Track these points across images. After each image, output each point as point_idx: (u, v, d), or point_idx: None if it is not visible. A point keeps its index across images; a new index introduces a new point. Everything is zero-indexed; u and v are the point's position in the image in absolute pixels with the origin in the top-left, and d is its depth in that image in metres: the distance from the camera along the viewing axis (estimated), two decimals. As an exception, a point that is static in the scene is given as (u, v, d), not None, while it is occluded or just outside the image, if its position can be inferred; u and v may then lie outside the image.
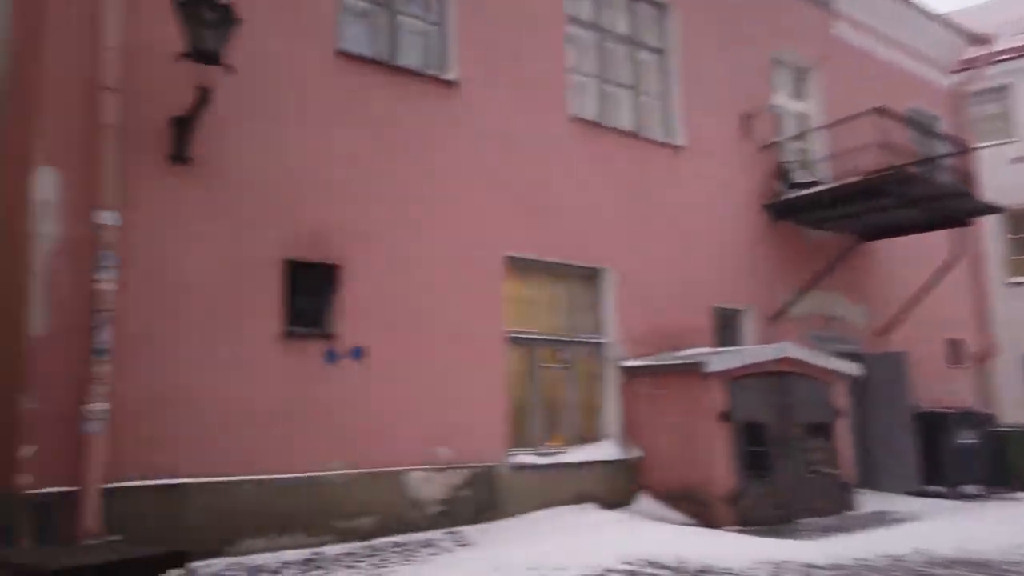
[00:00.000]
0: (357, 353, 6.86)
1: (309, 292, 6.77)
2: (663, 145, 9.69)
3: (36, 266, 5.50)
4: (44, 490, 5.31)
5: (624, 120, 9.51)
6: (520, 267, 8.22)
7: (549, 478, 7.83)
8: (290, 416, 6.41)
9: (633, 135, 9.42)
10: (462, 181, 7.78)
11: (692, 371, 7.96)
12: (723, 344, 9.65)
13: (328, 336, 6.77)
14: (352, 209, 7.01)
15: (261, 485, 6.17)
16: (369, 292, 7.01)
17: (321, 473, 6.49)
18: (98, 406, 5.45)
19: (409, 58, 7.79)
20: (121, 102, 5.79)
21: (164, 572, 4.02)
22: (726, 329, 9.97)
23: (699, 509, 7.79)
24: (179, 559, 3.92)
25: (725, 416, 7.92)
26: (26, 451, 5.31)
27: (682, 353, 8.70)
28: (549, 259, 8.42)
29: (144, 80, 5.97)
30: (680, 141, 9.84)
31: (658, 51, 10.02)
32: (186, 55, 5.63)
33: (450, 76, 7.88)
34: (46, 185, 5.59)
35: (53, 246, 5.58)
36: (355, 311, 6.91)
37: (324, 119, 6.97)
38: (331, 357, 6.74)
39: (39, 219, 5.55)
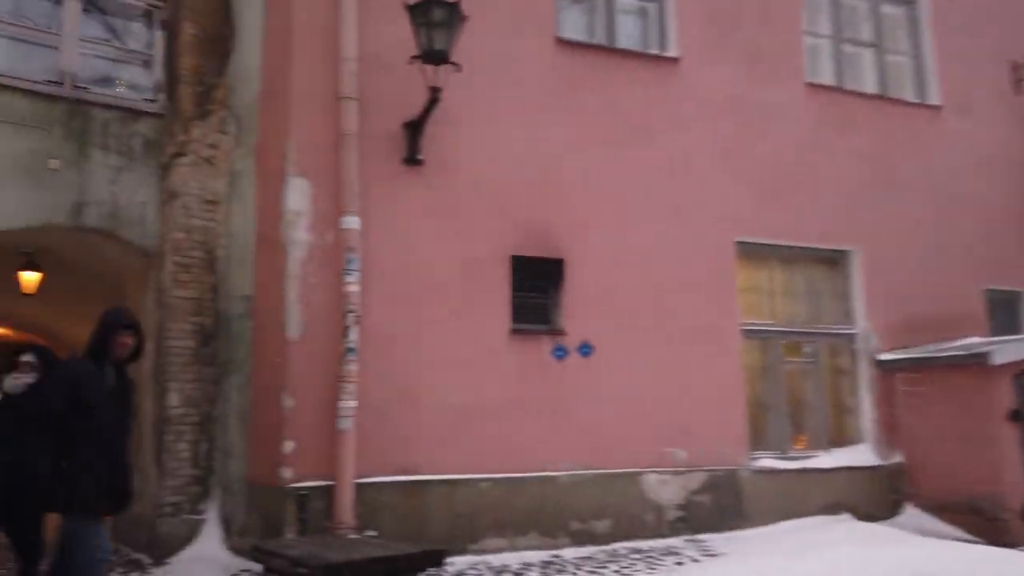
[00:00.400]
0: (586, 349, 6.62)
1: (534, 287, 6.65)
2: (915, 106, 8.48)
3: (291, 273, 5.83)
4: (303, 484, 5.62)
5: (867, 82, 8.42)
6: (753, 253, 7.55)
7: (796, 484, 7.11)
8: (520, 414, 6.31)
9: (878, 97, 8.32)
10: (687, 163, 7.26)
11: (971, 364, 6.85)
12: (999, 332, 8.24)
13: (555, 332, 6.60)
14: (574, 200, 6.78)
15: (497, 484, 6.13)
16: (593, 285, 6.74)
17: (553, 473, 6.33)
18: (349, 403, 5.67)
19: (627, 39, 7.40)
20: (358, 110, 5.98)
21: (423, 570, 3.99)
22: (1002, 315, 8.51)
23: (985, 525, 6.68)
24: (438, 557, 3.88)
25: (1015, 415, 6.71)
26: (287, 447, 5.65)
27: (955, 343, 7.52)
28: (785, 243, 7.65)
29: (376, 88, 6.13)
30: (935, 100, 8.55)
31: (905, 2, 8.77)
32: (417, 57, 5.68)
33: (671, 53, 7.39)
34: (297, 195, 5.91)
35: (305, 253, 5.88)
36: (580, 305, 6.68)
37: (544, 110, 6.79)
38: (559, 353, 6.56)
39: (292, 228, 5.88)
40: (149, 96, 7.18)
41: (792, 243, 7.68)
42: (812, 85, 8.00)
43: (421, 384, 6.04)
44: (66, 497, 3.74)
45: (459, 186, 6.40)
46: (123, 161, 7.00)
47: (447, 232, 6.32)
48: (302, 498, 5.55)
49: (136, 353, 4.14)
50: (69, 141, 6.77)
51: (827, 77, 8.24)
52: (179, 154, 6.73)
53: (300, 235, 5.88)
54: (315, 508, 5.59)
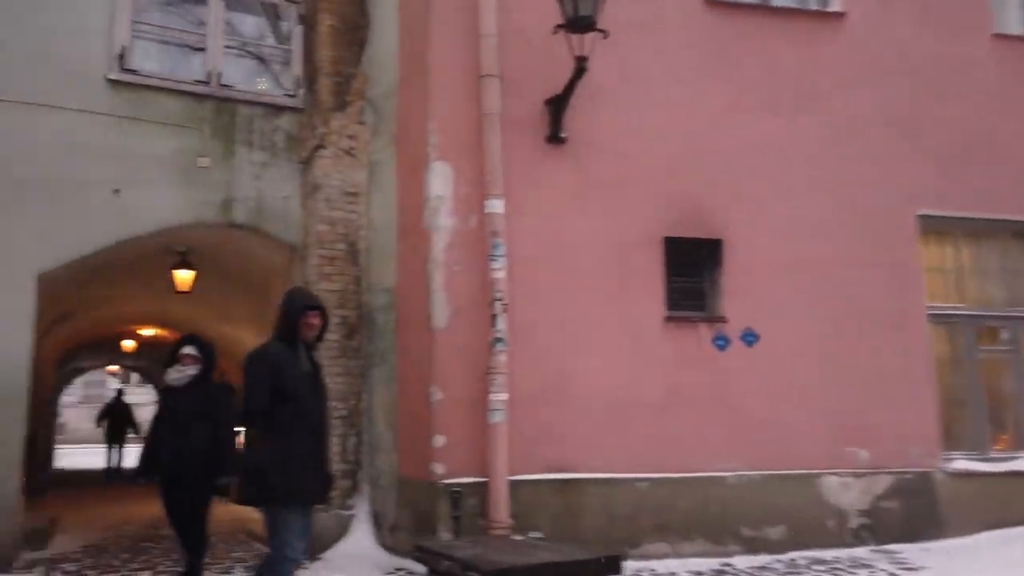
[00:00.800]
0: (750, 337, 6.02)
1: (690, 271, 6.12)
2: None
3: (434, 260, 5.61)
4: (455, 480, 5.36)
5: (1068, 29, 7.31)
6: (937, 227, 6.68)
7: (1000, 489, 6.21)
8: (679, 408, 5.80)
9: (1083, 46, 7.18)
10: (857, 130, 6.50)
11: None
12: None
13: (714, 319, 6.04)
14: (730, 174, 6.19)
15: (656, 484, 5.65)
16: (755, 267, 6.12)
17: (719, 473, 5.78)
18: (500, 396, 5.36)
19: (783, -4, 6.73)
20: (500, 89, 5.68)
21: (601, 576, 3.59)
22: None
23: None
24: (615, 563, 3.47)
25: None
26: (437, 441, 5.41)
27: None
28: (976, 215, 6.71)
29: (517, 65, 5.81)
30: None
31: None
32: (561, 26, 5.32)
33: (835, 8, 6.66)
34: (439, 180, 5.68)
35: (448, 239, 5.64)
36: (741, 289, 6.08)
37: (694, 78, 6.25)
38: (720, 342, 5.99)
39: (435, 214, 5.65)
40: (289, 91, 7.22)
41: (982, 215, 6.73)
42: (1000, 36, 7.01)
43: (571, 376, 5.66)
44: (275, 487, 3.54)
45: (605, 164, 5.97)
46: (266, 157, 7.06)
47: (594, 213, 5.91)
48: (455, 495, 5.30)
49: (321, 334, 3.99)
50: (216, 139, 6.89)
51: (1017, 27, 7.21)
52: (320, 146, 6.69)
53: (443, 221, 5.65)
54: (468, 505, 5.32)
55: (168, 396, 5.07)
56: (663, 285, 5.97)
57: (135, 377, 24.16)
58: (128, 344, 14.21)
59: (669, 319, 5.95)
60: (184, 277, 7.82)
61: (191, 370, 5.03)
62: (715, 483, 5.75)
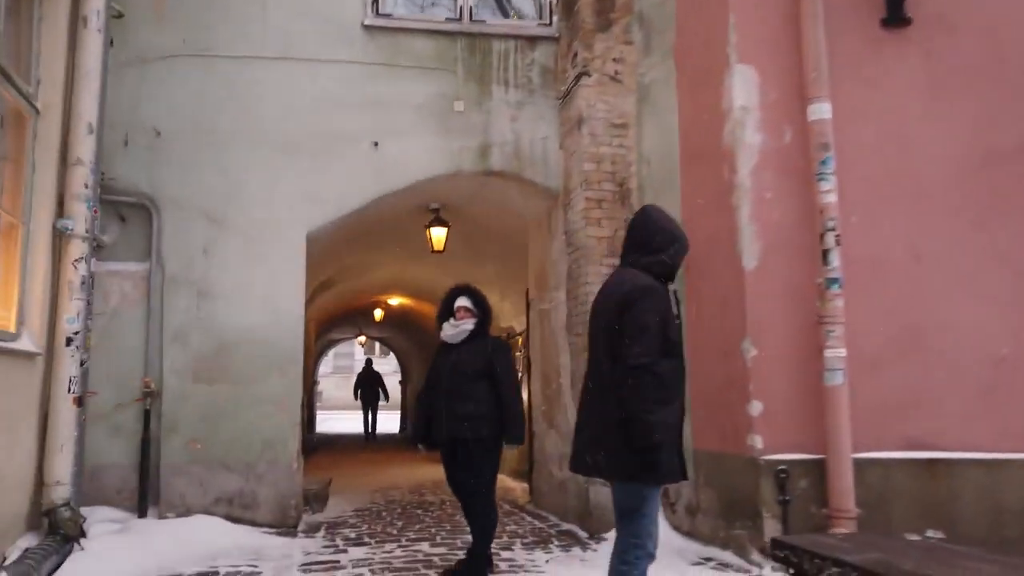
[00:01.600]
0: None
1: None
2: None
3: (741, 186, 4.56)
4: (778, 456, 4.31)
5: None
6: None
7: None
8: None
9: None
10: None
11: None
12: None
13: None
14: None
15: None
16: None
17: None
18: (837, 352, 4.22)
19: None
20: (820, -38, 4.47)
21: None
22: None
23: None
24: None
25: None
26: (754, 408, 4.39)
27: None
28: None
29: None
30: None
31: None
32: None
33: None
34: (743, 86, 4.60)
35: (757, 159, 4.55)
36: None
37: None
38: None
39: (739, 128, 4.59)
40: (543, 20, 6.50)
41: None
42: None
43: (930, 327, 4.36)
44: (659, 463, 2.74)
45: (967, 49, 4.54)
46: (522, 95, 6.41)
47: (953, 116, 4.51)
48: (780, 475, 4.26)
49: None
50: (470, 80, 6.34)
51: None
52: (583, 74, 5.87)
53: (750, 137, 4.56)
54: (798, 488, 4.26)
55: (442, 354, 4.52)
56: (1051, 205, 4.43)
57: (378, 347, 25.63)
58: (378, 314, 14.67)
59: (1060, 251, 4.41)
60: (440, 235, 7.46)
61: (467, 324, 4.45)
62: None
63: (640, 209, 3.29)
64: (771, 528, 4.21)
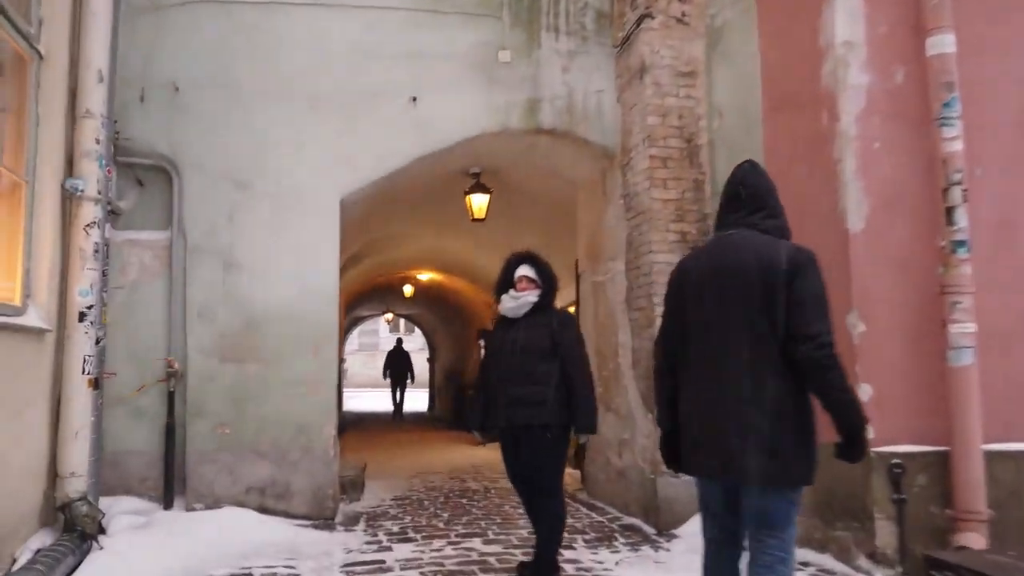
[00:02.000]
0: None
1: None
2: None
3: (844, 134, 3.92)
4: (891, 448, 3.73)
5: None
6: None
7: None
8: None
9: None
10: None
11: None
12: None
13: None
14: None
15: None
16: None
17: None
18: (964, 328, 3.61)
19: None
20: None
21: None
22: None
23: None
24: None
25: None
26: (861, 393, 3.79)
27: None
28: None
29: None
30: None
31: None
32: None
33: None
34: (846, 19, 3.95)
35: (863, 103, 3.92)
36: None
37: None
38: None
39: (841, 67, 3.94)
40: (598, -42, 5.86)
41: None
42: None
43: (1070, 298, 3.73)
44: (813, 465, 2.29)
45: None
46: (575, 44, 5.78)
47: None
48: (894, 470, 3.68)
49: None
50: (518, 27, 5.72)
51: None
52: (645, 16, 5.24)
53: (854, 77, 3.92)
54: (915, 485, 3.68)
55: (501, 329, 3.96)
56: None
57: (403, 324, 25.21)
58: (408, 290, 14.18)
59: None
60: (481, 203, 6.89)
61: (530, 296, 3.88)
62: None
63: (745, 163, 2.71)
64: (885, 531, 3.65)
